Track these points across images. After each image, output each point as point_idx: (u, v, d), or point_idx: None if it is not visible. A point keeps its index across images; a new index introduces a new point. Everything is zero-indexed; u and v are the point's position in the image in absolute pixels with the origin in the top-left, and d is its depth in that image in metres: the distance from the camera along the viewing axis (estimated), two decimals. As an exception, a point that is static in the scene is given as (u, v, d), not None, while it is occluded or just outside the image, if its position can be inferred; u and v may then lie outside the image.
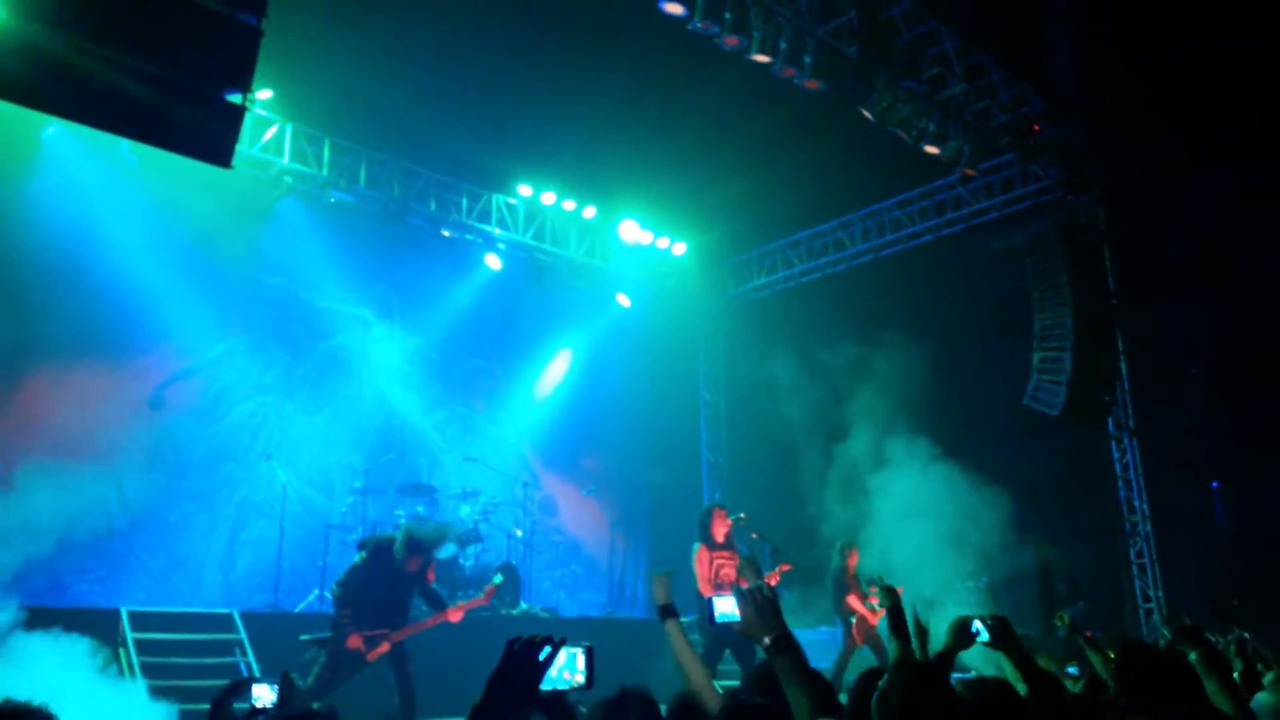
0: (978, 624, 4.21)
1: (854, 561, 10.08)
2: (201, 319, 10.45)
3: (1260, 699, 4.00)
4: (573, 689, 2.32)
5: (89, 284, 9.47)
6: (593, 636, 2.63)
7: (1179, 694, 3.29)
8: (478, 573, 10.70)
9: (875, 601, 9.72)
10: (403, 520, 10.24)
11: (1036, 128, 11.56)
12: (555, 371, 14.12)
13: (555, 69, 10.14)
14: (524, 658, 2.21)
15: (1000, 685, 3.16)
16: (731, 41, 9.31)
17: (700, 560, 9.14)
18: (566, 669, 2.31)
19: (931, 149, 10.93)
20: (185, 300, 10.16)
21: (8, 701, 2.67)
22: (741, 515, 9.50)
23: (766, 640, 2.89)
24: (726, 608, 3.29)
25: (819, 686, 2.80)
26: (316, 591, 10.07)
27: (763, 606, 2.95)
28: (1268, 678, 4.56)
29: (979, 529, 11.66)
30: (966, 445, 11.80)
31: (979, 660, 6.47)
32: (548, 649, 2.23)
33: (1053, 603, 12.87)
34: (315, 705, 5.26)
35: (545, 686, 2.24)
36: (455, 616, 7.31)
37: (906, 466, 12.06)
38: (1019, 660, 4.12)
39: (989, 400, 12.91)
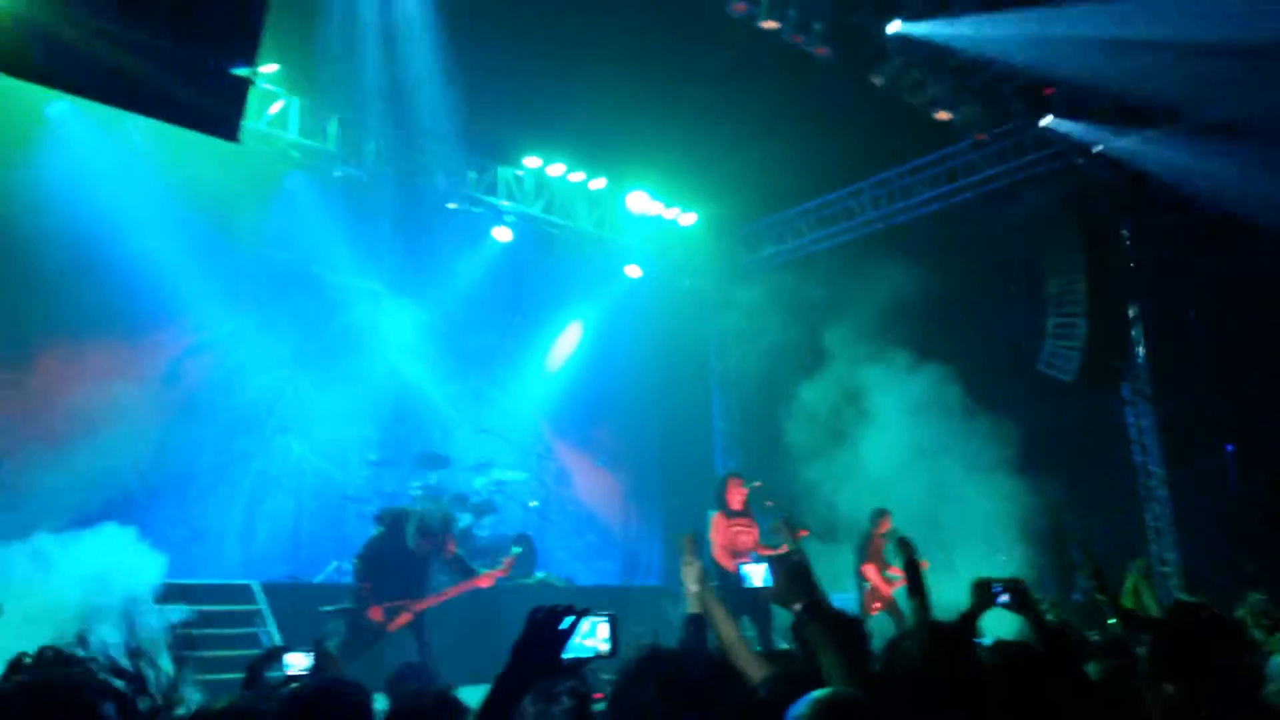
0: (996, 586, 4.23)
1: (884, 529, 10.09)
2: (213, 294, 10.47)
3: (1276, 661, 4.01)
4: (596, 657, 2.34)
5: (99, 260, 9.48)
6: (608, 605, 2.65)
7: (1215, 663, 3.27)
8: (494, 543, 10.78)
9: (893, 572, 9.78)
10: (419, 492, 10.31)
11: (1049, 91, 11.44)
12: (567, 343, 14.14)
13: (562, 39, 10.06)
14: (547, 627, 2.24)
15: (1022, 648, 3.18)
16: (740, 8, 9.25)
17: (717, 528, 9.19)
18: (590, 637, 2.34)
19: (942, 115, 10.84)
20: (196, 276, 10.16)
21: (46, 649, 2.72)
22: (756, 483, 9.54)
23: (798, 607, 2.94)
24: (758, 575, 3.34)
25: (853, 651, 2.82)
26: (335, 563, 10.16)
27: (795, 574, 3.01)
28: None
29: (993, 495, 11.67)
30: (981, 411, 11.77)
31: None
32: (570, 618, 2.26)
33: (1066, 568, 12.91)
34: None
35: (569, 655, 2.26)
36: (485, 583, 7.38)
37: (919, 434, 12.06)
38: (1037, 624, 4.15)
39: (1003, 366, 12.86)
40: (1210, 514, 13.65)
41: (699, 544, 4.12)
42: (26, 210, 9.16)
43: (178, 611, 7.55)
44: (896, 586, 9.63)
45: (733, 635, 3.70)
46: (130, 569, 7.39)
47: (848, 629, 2.95)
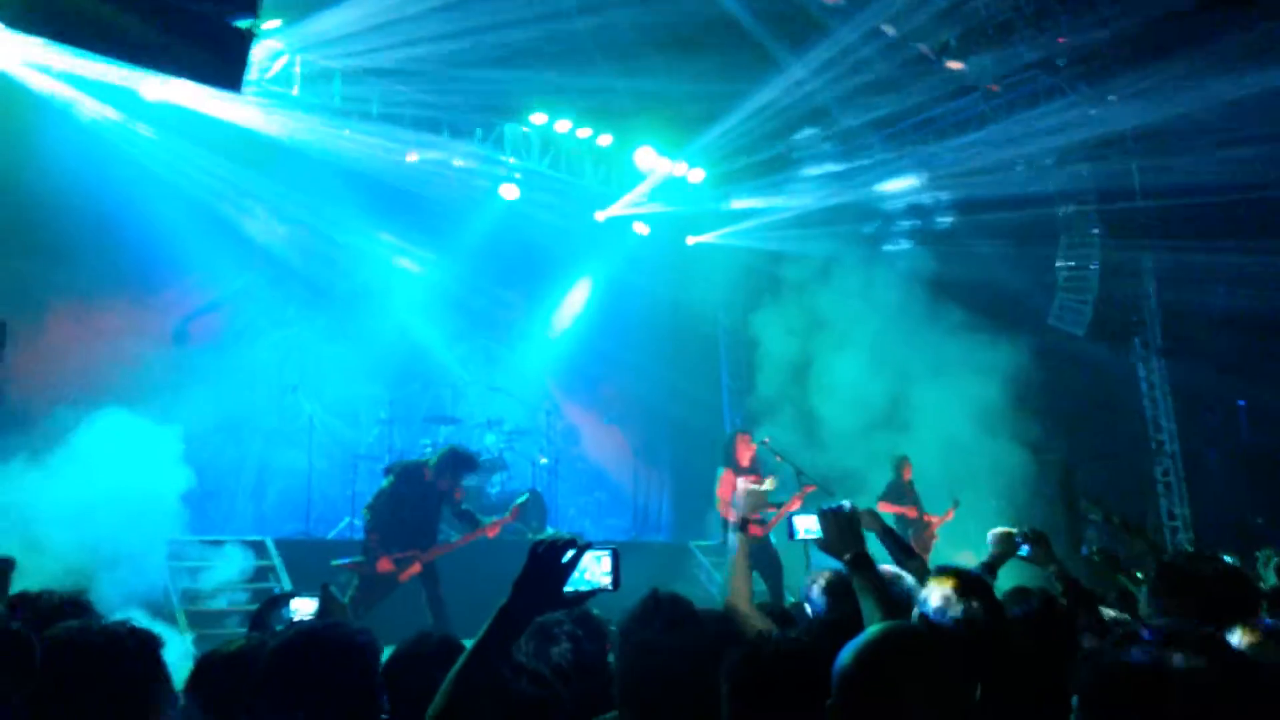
0: (1016, 536, 4.26)
1: (908, 475, 10.42)
2: (221, 253, 10.45)
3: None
4: (599, 591, 2.34)
5: (109, 220, 9.47)
6: (617, 561, 2.64)
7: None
8: (504, 499, 10.83)
9: (928, 519, 10.13)
10: (429, 449, 10.35)
11: (1061, 40, 11.25)
12: (575, 301, 14.09)
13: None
14: (548, 560, 2.24)
15: (1044, 596, 3.19)
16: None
17: (724, 484, 9.23)
18: (591, 571, 2.34)
19: (954, 64, 10.68)
20: (204, 235, 10.15)
21: (49, 593, 2.75)
22: (766, 439, 9.58)
23: (847, 556, 3.06)
24: (809, 524, 3.42)
25: (891, 601, 2.94)
26: (347, 519, 10.24)
27: (844, 525, 3.13)
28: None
29: (1003, 449, 11.67)
30: (990, 364, 11.73)
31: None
32: (572, 551, 2.26)
33: (1077, 522, 12.94)
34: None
35: (570, 588, 2.27)
36: (492, 532, 7.42)
37: (930, 390, 12.05)
38: (1062, 576, 4.18)
39: (1014, 318, 12.79)
40: (1221, 469, 13.66)
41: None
42: (38, 172, 9.12)
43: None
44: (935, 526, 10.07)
45: (741, 585, 3.74)
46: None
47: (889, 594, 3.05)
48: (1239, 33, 10.04)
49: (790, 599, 7.72)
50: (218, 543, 8.58)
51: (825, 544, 3.20)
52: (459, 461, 7.35)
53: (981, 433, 11.45)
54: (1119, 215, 13.11)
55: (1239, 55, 10.09)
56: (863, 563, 3.03)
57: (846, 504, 3.19)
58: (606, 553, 2.35)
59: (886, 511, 9.86)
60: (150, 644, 2.58)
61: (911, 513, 10.22)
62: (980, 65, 11.26)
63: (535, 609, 2.26)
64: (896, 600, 3.05)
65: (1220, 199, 11.90)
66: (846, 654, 1.93)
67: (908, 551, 4.36)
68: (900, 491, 10.33)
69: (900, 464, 10.56)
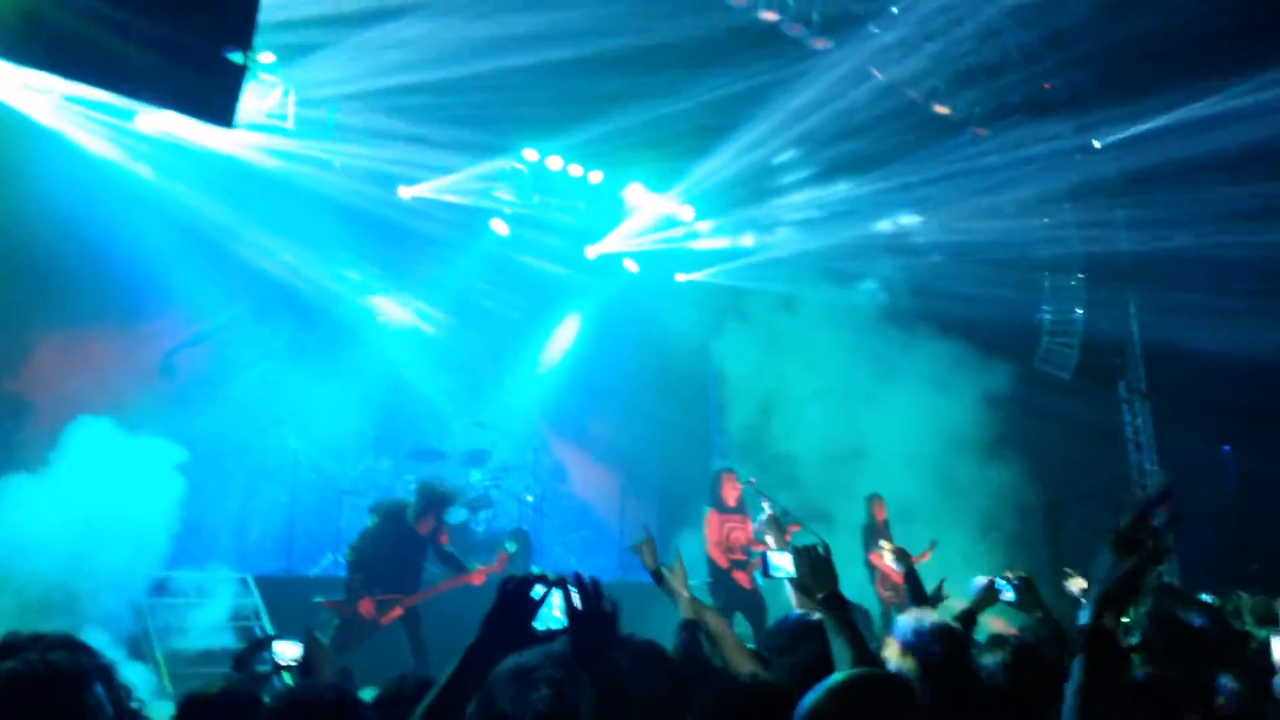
0: (1001, 581, 4.23)
1: (881, 515, 10.24)
2: (208, 286, 10.42)
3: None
4: (566, 630, 2.32)
5: (97, 249, 9.43)
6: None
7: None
8: (489, 537, 10.76)
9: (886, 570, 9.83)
10: (414, 485, 10.27)
11: (1047, 86, 11.43)
12: (563, 337, 14.09)
13: (559, 33, 9.99)
14: (517, 598, 2.23)
15: (1018, 645, 3.19)
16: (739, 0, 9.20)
17: (711, 525, 9.20)
18: (563, 609, 2.32)
19: (941, 108, 10.82)
20: (194, 266, 10.12)
21: (12, 634, 2.68)
22: (751, 479, 9.55)
23: (820, 595, 3.05)
24: (782, 563, 3.42)
25: (862, 644, 2.92)
26: (330, 556, 10.13)
27: (818, 564, 3.12)
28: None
29: (989, 492, 11.66)
30: (975, 405, 11.76)
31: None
32: (540, 588, 2.25)
33: (1060, 566, 12.89)
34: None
35: (542, 625, 2.26)
36: (478, 579, 7.36)
37: (914, 431, 12.06)
38: (1047, 621, 4.17)
39: (1000, 359, 12.85)
40: (1207, 513, 13.65)
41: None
42: (23, 200, 9.10)
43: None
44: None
45: (721, 628, 3.72)
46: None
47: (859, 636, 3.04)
48: (1225, 78, 10.22)
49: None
50: (199, 578, 8.48)
51: (799, 583, 3.20)
52: (434, 500, 7.30)
53: (966, 473, 11.46)
54: (1103, 259, 13.24)
55: (1224, 100, 10.26)
56: (836, 602, 3.02)
57: (821, 543, 3.19)
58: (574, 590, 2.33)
59: (876, 564, 9.81)
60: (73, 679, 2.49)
61: (881, 563, 10.02)
62: (967, 109, 11.42)
63: (504, 647, 2.25)
64: (864, 645, 3.03)
65: (1204, 241, 12.03)
66: (809, 700, 1.92)
67: (921, 598, 4.41)
68: (875, 533, 10.17)
69: (873, 504, 10.33)
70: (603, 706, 2.36)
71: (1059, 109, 11.57)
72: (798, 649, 3.40)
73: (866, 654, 2.87)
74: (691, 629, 3.78)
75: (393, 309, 12.36)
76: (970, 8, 10.20)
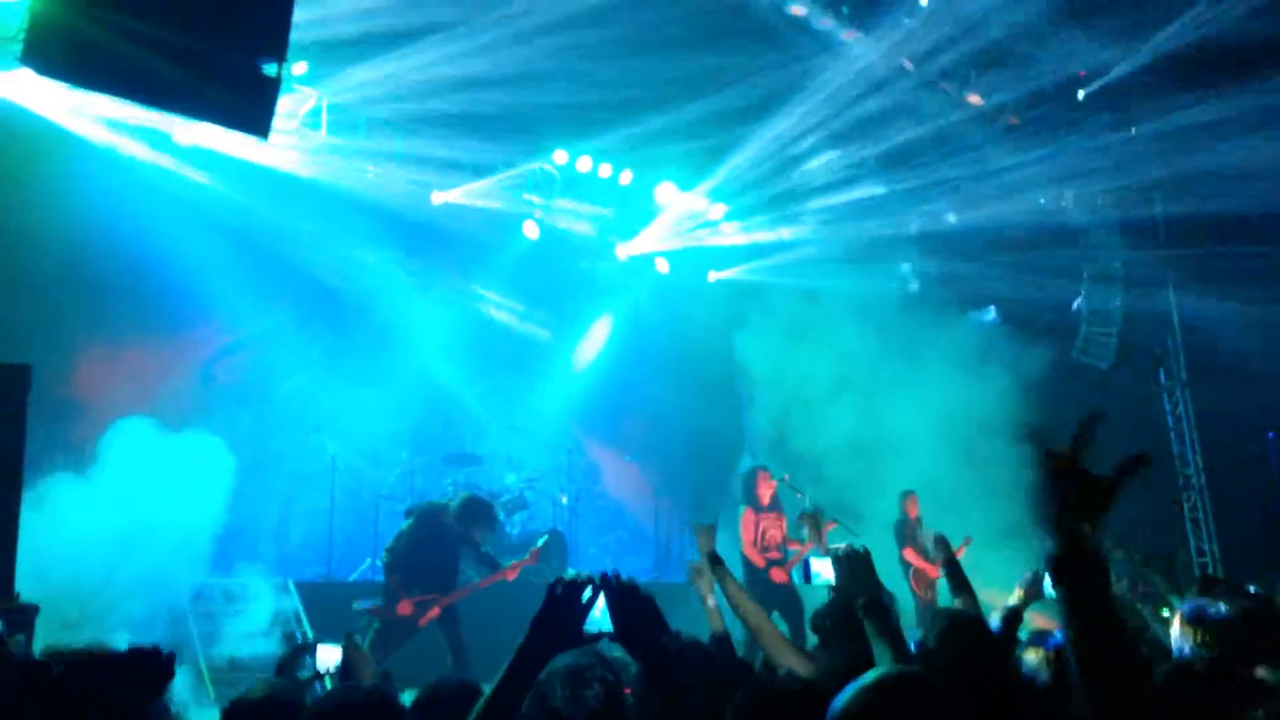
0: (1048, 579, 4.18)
1: (914, 511, 10.16)
2: (247, 295, 10.56)
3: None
4: (607, 634, 2.34)
5: (136, 262, 9.59)
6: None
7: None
8: (524, 539, 10.79)
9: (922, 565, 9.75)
10: (451, 488, 10.34)
11: (1082, 74, 11.26)
12: (596, 338, 14.11)
13: (588, 33, 10.00)
14: (566, 600, 2.25)
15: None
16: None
17: (746, 524, 9.16)
18: (604, 610, 2.33)
19: (974, 97, 10.71)
20: (230, 276, 10.25)
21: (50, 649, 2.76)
22: (785, 476, 9.52)
23: (861, 601, 3.03)
24: (823, 570, 3.43)
25: (902, 648, 2.92)
26: (369, 560, 10.22)
27: (859, 570, 3.11)
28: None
29: (1026, 485, 11.50)
30: (1013, 394, 11.63)
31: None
32: (589, 591, 2.28)
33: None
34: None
35: (590, 628, 2.28)
36: (512, 574, 7.39)
37: (950, 423, 11.94)
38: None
39: (1038, 347, 12.69)
40: (1250, 503, 13.41)
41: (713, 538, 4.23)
42: (66, 213, 9.25)
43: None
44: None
45: (762, 622, 3.71)
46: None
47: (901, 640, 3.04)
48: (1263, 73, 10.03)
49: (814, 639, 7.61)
50: (241, 584, 8.59)
51: (840, 589, 3.21)
52: (478, 513, 7.33)
53: (1001, 466, 11.32)
54: (1142, 244, 13.04)
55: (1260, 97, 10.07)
56: (877, 608, 3.01)
57: (861, 547, 3.18)
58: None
59: (911, 560, 9.74)
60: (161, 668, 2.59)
61: (916, 559, 9.92)
62: (1000, 98, 11.29)
63: (553, 648, 2.27)
64: (905, 648, 3.01)
65: (1247, 227, 11.82)
66: (842, 698, 1.91)
67: (963, 586, 4.39)
68: (908, 529, 10.09)
69: (906, 501, 10.22)
70: (652, 684, 2.37)
71: (1095, 96, 11.40)
72: (841, 640, 3.39)
73: (907, 659, 2.85)
74: (722, 644, 3.78)
75: (427, 315, 12.44)
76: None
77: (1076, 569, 1.71)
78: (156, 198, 9.74)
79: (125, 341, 9.70)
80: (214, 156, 9.97)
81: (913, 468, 11.20)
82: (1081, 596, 1.70)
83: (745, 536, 9.08)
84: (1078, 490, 1.77)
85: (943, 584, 9.61)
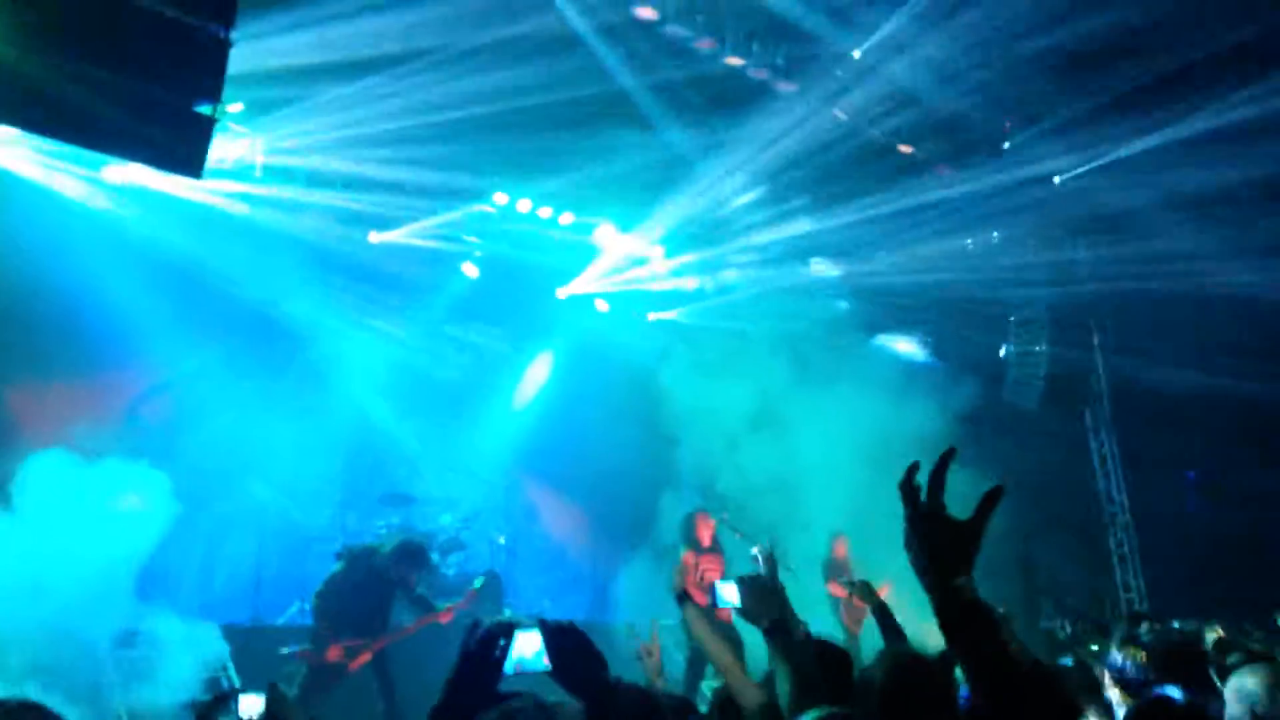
0: None
1: (841, 552, 10.32)
2: (175, 333, 10.35)
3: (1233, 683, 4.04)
4: (538, 672, 2.31)
5: (62, 299, 9.37)
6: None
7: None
8: (461, 580, 10.66)
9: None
10: (384, 530, 10.20)
11: (1007, 126, 11.68)
12: (536, 376, 14.10)
13: (525, 80, 10.10)
14: (481, 654, 2.20)
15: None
16: (705, 44, 9.34)
17: (686, 566, 9.18)
18: (525, 651, 2.31)
19: (904, 148, 11.02)
20: (159, 313, 10.06)
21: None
22: (724, 514, 9.58)
23: (765, 624, 3.11)
24: (729, 594, 3.50)
25: (808, 670, 2.94)
26: (298, 603, 10.01)
27: (762, 594, 3.20)
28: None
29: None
30: (941, 436, 11.85)
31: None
32: (502, 641, 2.21)
33: (1035, 596, 12.99)
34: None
35: (528, 669, 2.26)
36: (445, 618, 7.31)
37: (893, 462, 12.10)
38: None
39: (965, 390, 12.97)
40: (1173, 539, 13.82)
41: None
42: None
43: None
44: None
45: (726, 657, 3.73)
46: None
47: (828, 655, 3.14)
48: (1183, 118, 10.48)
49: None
50: (164, 628, 8.33)
51: (744, 611, 3.27)
52: (412, 557, 7.26)
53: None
54: (1066, 293, 13.46)
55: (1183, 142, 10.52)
56: (780, 629, 3.08)
57: (765, 572, 3.27)
58: (534, 630, 2.30)
59: (834, 593, 9.85)
60: None
61: (837, 591, 10.05)
62: (930, 149, 11.63)
63: (470, 710, 2.17)
64: (811, 671, 3.03)
65: (1166, 275, 12.26)
66: None
67: (894, 631, 4.48)
68: (836, 568, 10.24)
69: (835, 541, 10.46)
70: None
71: (1020, 147, 11.81)
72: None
73: (812, 680, 2.90)
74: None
75: (362, 353, 12.32)
76: (931, 48, 10.41)
77: (960, 624, 1.70)
78: (85, 233, 9.56)
79: (48, 380, 9.45)
80: (145, 193, 9.84)
81: (842, 500, 11.31)
82: (971, 649, 1.70)
83: (688, 580, 9.10)
84: (942, 536, 1.75)
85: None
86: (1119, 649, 3.81)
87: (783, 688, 2.88)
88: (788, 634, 3.09)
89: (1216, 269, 11.74)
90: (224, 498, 10.62)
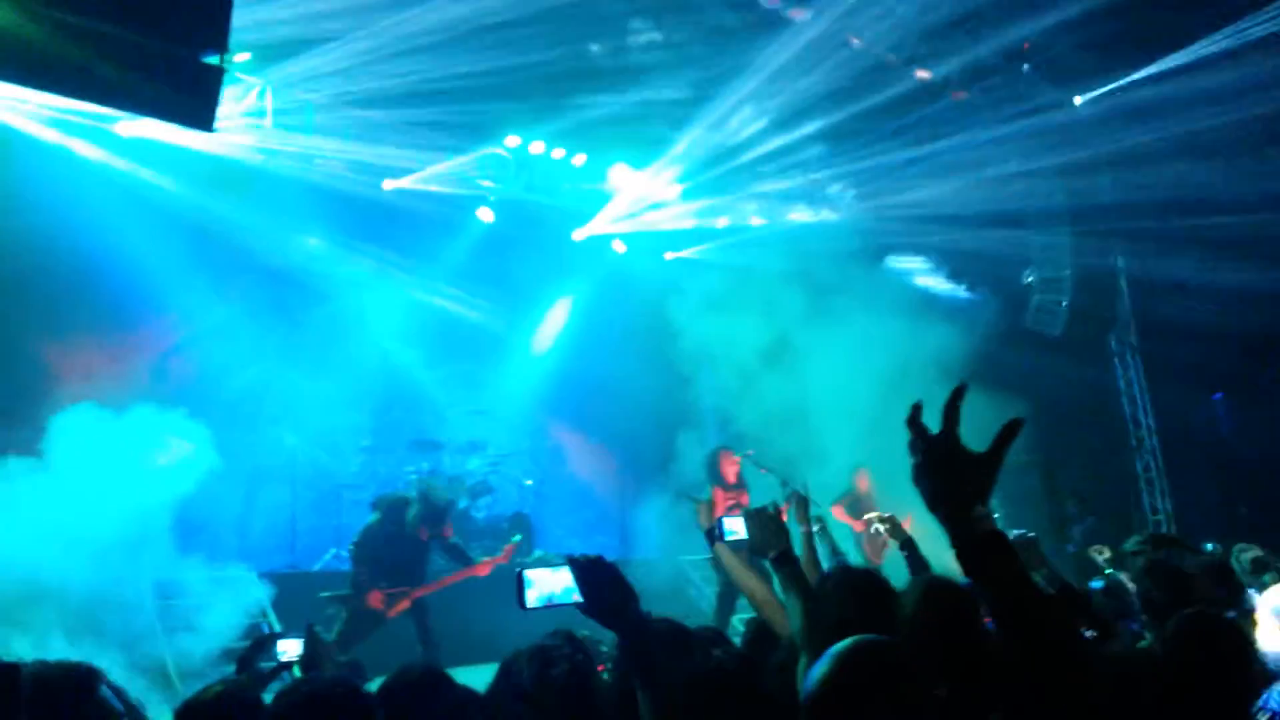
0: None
1: (864, 486, 10.30)
2: (198, 288, 10.42)
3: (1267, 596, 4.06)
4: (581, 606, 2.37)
5: (84, 258, 9.42)
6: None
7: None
8: (490, 524, 10.84)
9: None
10: (414, 477, 10.33)
11: (1026, 46, 11.39)
12: (556, 320, 14.12)
13: (536, 15, 9.94)
14: (596, 578, 2.33)
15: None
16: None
17: (716, 503, 9.24)
18: (555, 586, 2.37)
19: (922, 72, 10.80)
20: (180, 269, 10.11)
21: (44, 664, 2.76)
22: (749, 450, 9.60)
23: (772, 554, 3.19)
24: (735, 527, 3.57)
25: (811, 599, 3.00)
26: (333, 550, 10.21)
27: (767, 526, 3.27)
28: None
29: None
30: (964, 365, 11.79)
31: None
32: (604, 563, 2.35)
33: (1059, 521, 13.02)
34: (340, 659, 5.36)
35: (552, 603, 2.36)
36: (484, 570, 7.44)
37: (913, 391, 12.06)
38: (1050, 576, 4.30)
39: (988, 319, 12.87)
40: (1201, 462, 13.78)
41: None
42: (12, 210, 9.06)
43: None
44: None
45: (762, 590, 3.79)
46: None
47: (871, 585, 3.13)
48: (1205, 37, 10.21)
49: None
50: (205, 577, 8.53)
51: (751, 544, 3.36)
52: (429, 515, 7.36)
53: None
54: (1089, 215, 13.26)
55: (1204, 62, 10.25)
56: (786, 561, 3.15)
57: (771, 505, 3.31)
58: (563, 567, 2.38)
59: (839, 518, 9.89)
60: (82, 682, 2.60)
61: (859, 526, 10.08)
62: (946, 71, 11.38)
63: (622, 614, 2.34)
64: (868, 601, 3.06)
65: (1189, 193, 12.05)
66: (817, 670, 1.96)
67: (922, 566, 4.53)
68: (855, 502, 10.24)
69: (857, 475, 10.43)
70: (629, 654, 2.43)
71: (1039, 67, 11.54)
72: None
73: (819, 608, 2.94)
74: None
75: (383, 302, 12.36)
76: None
77: (978, 556, 1.69)
78: (102, 192, 9.58)
79: (76, 341, 9.55)
80: (160, 148, 9.81)
81: (861, 430, 11.30)
82: (991, 581, 1.67)
83: (717, 514, 9.17)
84: (957, 469, 1.74)
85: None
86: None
87: (794, 617, 2.93)
88: (794, 563, 3.15)
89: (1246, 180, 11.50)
90: (256, 448, 10.78)
